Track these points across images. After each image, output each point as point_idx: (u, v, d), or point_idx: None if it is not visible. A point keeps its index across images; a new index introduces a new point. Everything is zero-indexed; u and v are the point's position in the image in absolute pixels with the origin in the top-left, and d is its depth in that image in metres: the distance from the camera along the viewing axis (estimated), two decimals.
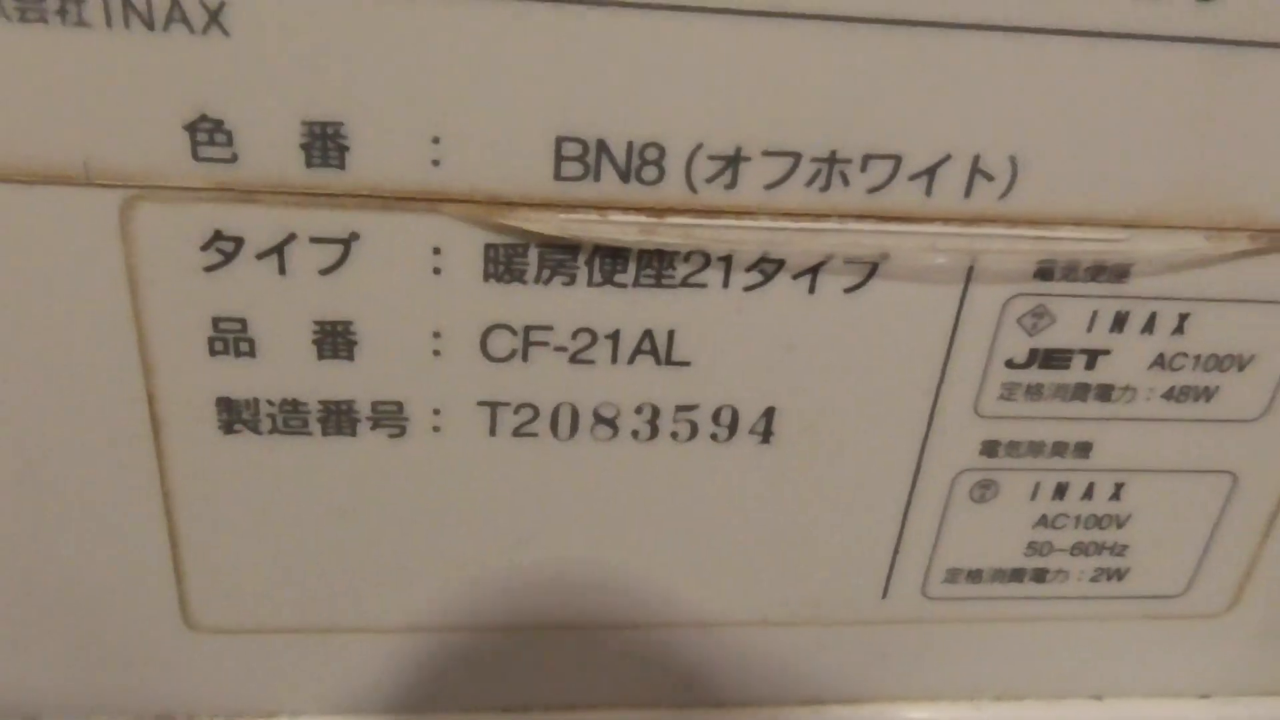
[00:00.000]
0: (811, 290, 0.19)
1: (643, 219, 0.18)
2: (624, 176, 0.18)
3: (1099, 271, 0.20)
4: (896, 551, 0.23)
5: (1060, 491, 0.23)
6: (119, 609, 0.22)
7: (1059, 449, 0.22)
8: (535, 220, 0.18)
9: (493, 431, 0.20)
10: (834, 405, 0.21)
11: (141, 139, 0.17)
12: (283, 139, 0.17)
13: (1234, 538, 0.24)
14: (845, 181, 0.18)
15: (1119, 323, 0.21)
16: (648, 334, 0.20)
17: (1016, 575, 0.24)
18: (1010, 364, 0.21)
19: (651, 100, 0.17)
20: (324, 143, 0.17)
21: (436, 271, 0.18)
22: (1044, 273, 0.20)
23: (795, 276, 0.19)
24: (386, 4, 0.16)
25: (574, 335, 0.19)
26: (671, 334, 0.20)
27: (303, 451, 0.20)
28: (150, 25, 0.16)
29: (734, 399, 0.20)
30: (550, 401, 0.20)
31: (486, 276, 0.19)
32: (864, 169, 0.18)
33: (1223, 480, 0.23)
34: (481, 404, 0.20)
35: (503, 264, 0.18)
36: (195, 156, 0.17)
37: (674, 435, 0.21)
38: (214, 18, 0.16)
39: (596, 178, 0.18)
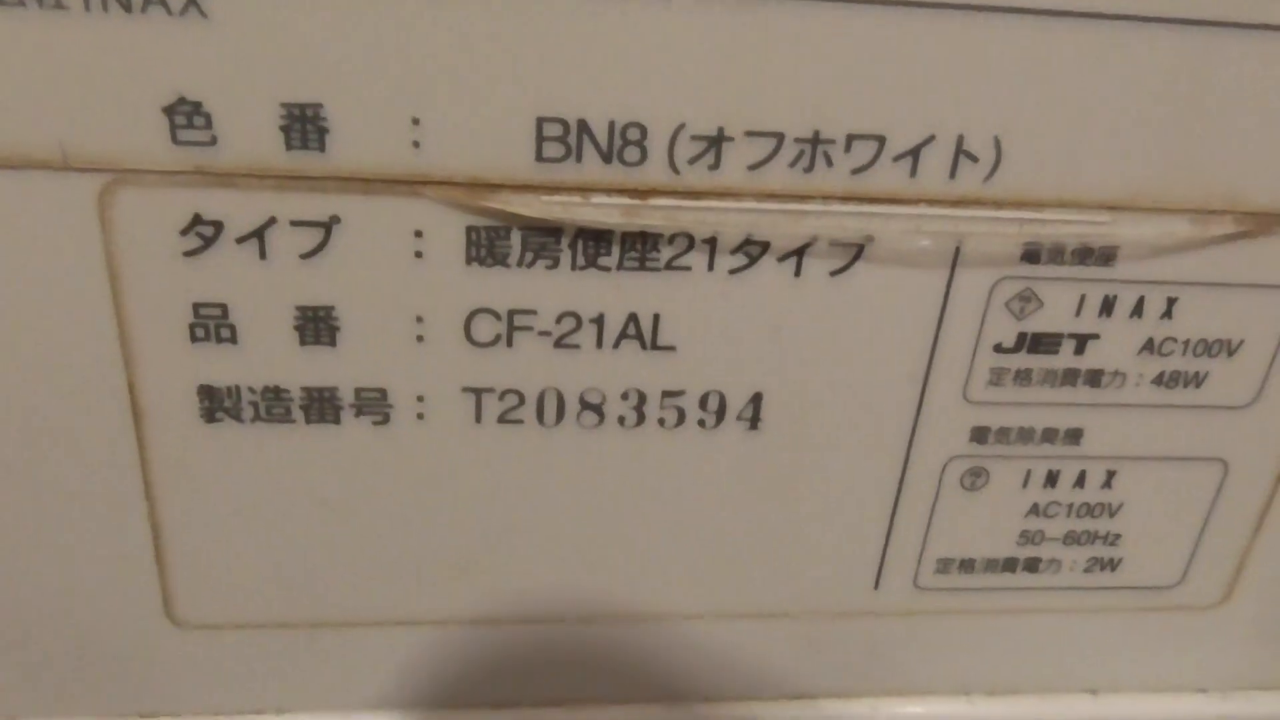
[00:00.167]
0: (797, 274, 0.19)
1: (626, 201, 0.18)
2: (606, 157, 0.18)
3: (1086, 254, 0.20)
4: (887, 541, 0.23)
5: (1051, 479, 0.23)
6: (101, 605, 0.22)
7: (1049, 436, 0.22)
8: (517, 202, 0.18)
9: (478, 418, 0.20)
10: (822, 391, 0.21)
11: (120, 123, 0.17)
12: (262, 121, 0.17)
13: (1226, 528, 0.24)
14: (829, 162, 0.18)
15: (1107, 307, 0.20)
16: (632, 318, 0.19)
17: (1009, 565, 0.24)
18: (999, 349, 0.21)
19: (633, 80, 0.17)
20: (303, 125, 0.17)
21: (418, 255, 0.18)
22: (1030, 256, 0.20)
23: (780, 259, 0.19)
24: None
25: (558, 320, 0.19)
26: (657, 318, 0.19)
27: (286, 440, 0.20)
28: (128, 8, 0.16)
29: (721, 384, 0.20)
30: (535, 387, 0.20)
31: (469, 260, 0.18)
32: (848, 150, 0.18)
33: (1214, 468, 0.23)
34: (466, 390, 0.20)
35: (485, 247, 0.18)
36: (174, 140, 0.17)
37: (661, 422, 0.21)
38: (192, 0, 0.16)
39: (578, 159, 0.18)
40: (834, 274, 0.19)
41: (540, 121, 0.17)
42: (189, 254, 0.18)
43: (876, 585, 0.24)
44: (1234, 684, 0.27)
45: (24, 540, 0.21)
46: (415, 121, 0.17)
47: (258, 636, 0.22)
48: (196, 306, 0.18)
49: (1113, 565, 0.24)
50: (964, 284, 0.20)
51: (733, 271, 0.19)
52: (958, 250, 0.19)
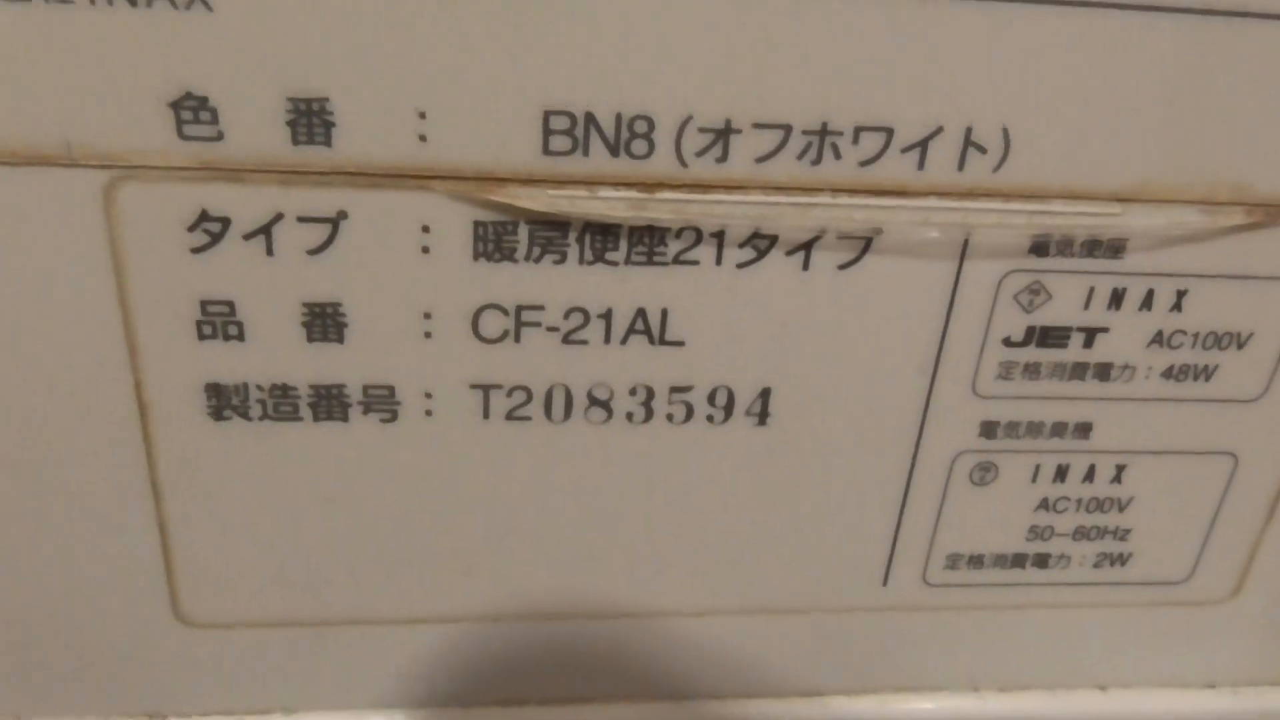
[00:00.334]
0: (805, 267, 0.19)
1: (633, 194, 0.18)
2: (613, 150, 0.18)
3: (1094, 246, 0.20)
4: (896, 536, 0.23)
5: (1061, 474, 0.23)
6: (107, 604, 0.22)
7: (1058, 430, 0.22)
8: (524, 196, 0.18)
9: (486, 415, 0.20)
10: (831, 385, 0.21)
11: (125, 118, 0.17)
12: (268, 116, 0.17)
13: (1236, 522, 0.24)
14: (837, 154, 0.18)
15: (1116, 299, 0.20)
16: (640, 313, 0.19)
17: (1018, 561, 0.24)
18: (1007, 342, 0.21)
19: (640, 72, 0.17)
20: (310, 119, 0.17)
21: (425, 250, 0.18)
22: (1039, 248, 0.20)
23: (789, 253, 0.19)
24: None
25: (566, 315, 0.19)
26: (665, 313, 0.19)
27: (294, 438, 0.20)
28: (134, 2, 0.16)
29: (729, 379, 0.20)
30: (543, 383, 0.20)
31: (476, 255, 0.18)
32: (855, 141, 0.18)
33: (1224, 462, 0.23)
34: (474, 386, 0.20)
35: (492, 242, 0.18)
36: (180, 135, 0.17)
37: (669, 417, 0.21)
38: None
39: (585, 152, 0.17)
40: (842, 267, 0.19)
41: (547, 114, 0.17)
42: (196, 250, 0.18)
43: (885, 581, 0.23)
44: (1243, 679, 0.27)
45: (30, 539, 0.21)
46: (421, 115, 0.17)
47: (265, 635, 0.22)
48: (203, 303, 0.18)
49: (1122, 560, 0.24)
50: (972, 276, 0.20)
51: (741, 265, 0.19)
52: (966, 242, 0.19)
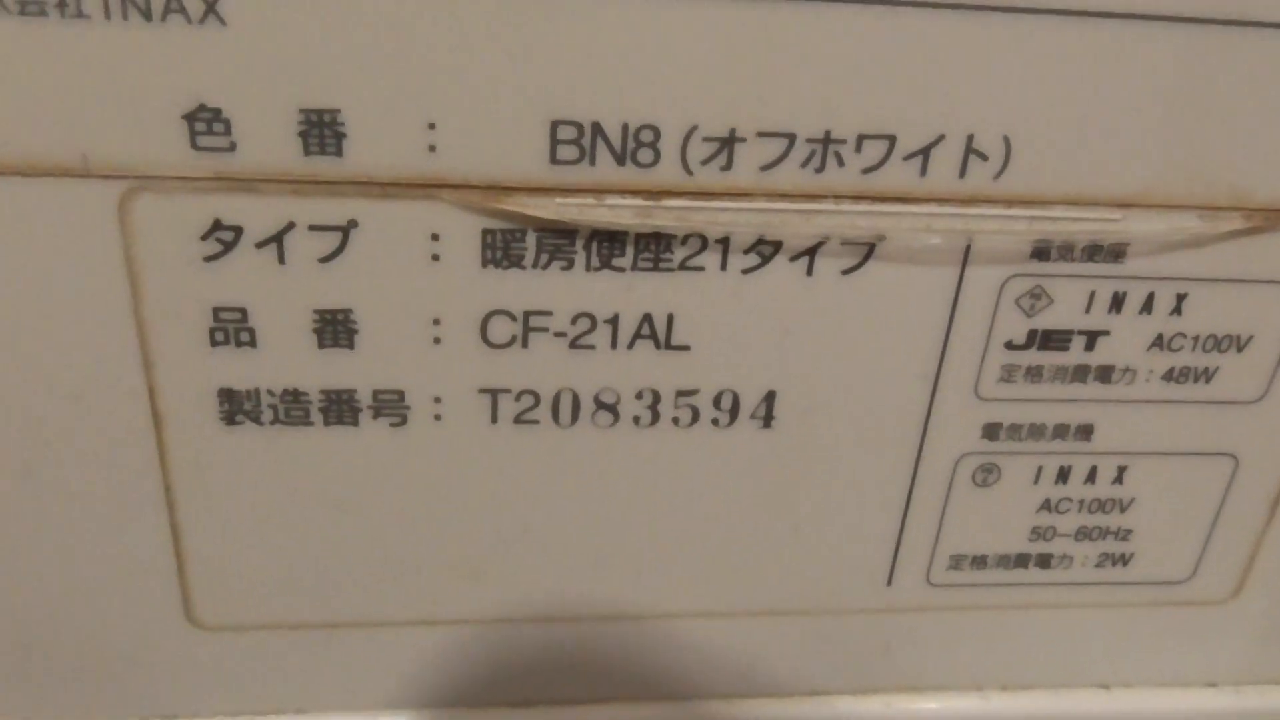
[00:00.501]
0: (809, 273, 0.19)
1: (639, 202, 0.18)
2: (619, 159, 0.18)
3: (1095, 251, 0.20)
4: (900, 537, 0.23)
5: (1063, 475, 0.23)
6: (120, 607, 0.22)
7: (1060, 431, 0.22)
8: (532, 205, 0.18)
9: (494, 419, 0.20)
10: (834, 389, 0.21)
11: (140, 130, 0.17)
12: (280, 127, 0.17)
13: (1237, 522, 0.24)
14: (840, 162, 0.18)
15: (1117, 303, 0.21)
16: (647, 318, 0.20)
17: (1021, 561, 0.24)
18: (1009, 345, 0.21)
19: (646, 82, 0.17)
20: (321, 130, 0.17)
21: (435, 258, 0.18)
22: (1040, 253, 0.20)
23: (793, 259, 0.19)
24: None
25: (573, 320, 0.19)
26: (670, 318, 0.20)
27: (305, 443, 0.20)
28: (148, 16, 0.16)
29: (734, 383, 0.21)
30: (551, 388, 0.20)
31: (485, 262, 0.19)
32: (858, 149, 0.18)
33: (1224, 463, 0.23)
34: (482, 391, 0.20)
35: (500, 249, 0.19)
36: (194, 146, 0.17)
37: (675, 421, 0.21)
38: (211, 8, 0.16)
39: (592, 161, 0.18)
40: (845, 273, 0.20)
41: (554, 125, 0.17)
42: (209, 259, 0.18)
43: (889, 582, 0.24)
44: (1245, 679, 0.27)
45: (44, 543, 0.21)
46: (431, 126, 0.17)
47: (276, 638, 0.23)
48: (216, 310, 0.19)
49: (1124, 561, 0.24)
50: (974, 282, 0.20)
51: (745, 271, 0.19)
52: (968, 248, 0.20)
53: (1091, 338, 0.21)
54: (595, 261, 0.19)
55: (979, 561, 0.24)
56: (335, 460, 0.20)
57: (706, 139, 0.18)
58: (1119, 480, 0.23)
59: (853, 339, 0.20)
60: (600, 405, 0.20)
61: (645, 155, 0.18)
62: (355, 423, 0.20)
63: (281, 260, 0.18)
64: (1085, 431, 0.22)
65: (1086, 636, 0.25)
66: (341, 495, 0.21)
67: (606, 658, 0.24)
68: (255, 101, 0.17)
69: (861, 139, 0.18)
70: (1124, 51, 0.18)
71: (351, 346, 0.19)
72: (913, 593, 0.24)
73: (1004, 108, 0.18)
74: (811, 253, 0.19)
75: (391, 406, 0.20)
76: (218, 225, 0.18)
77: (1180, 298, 0.21)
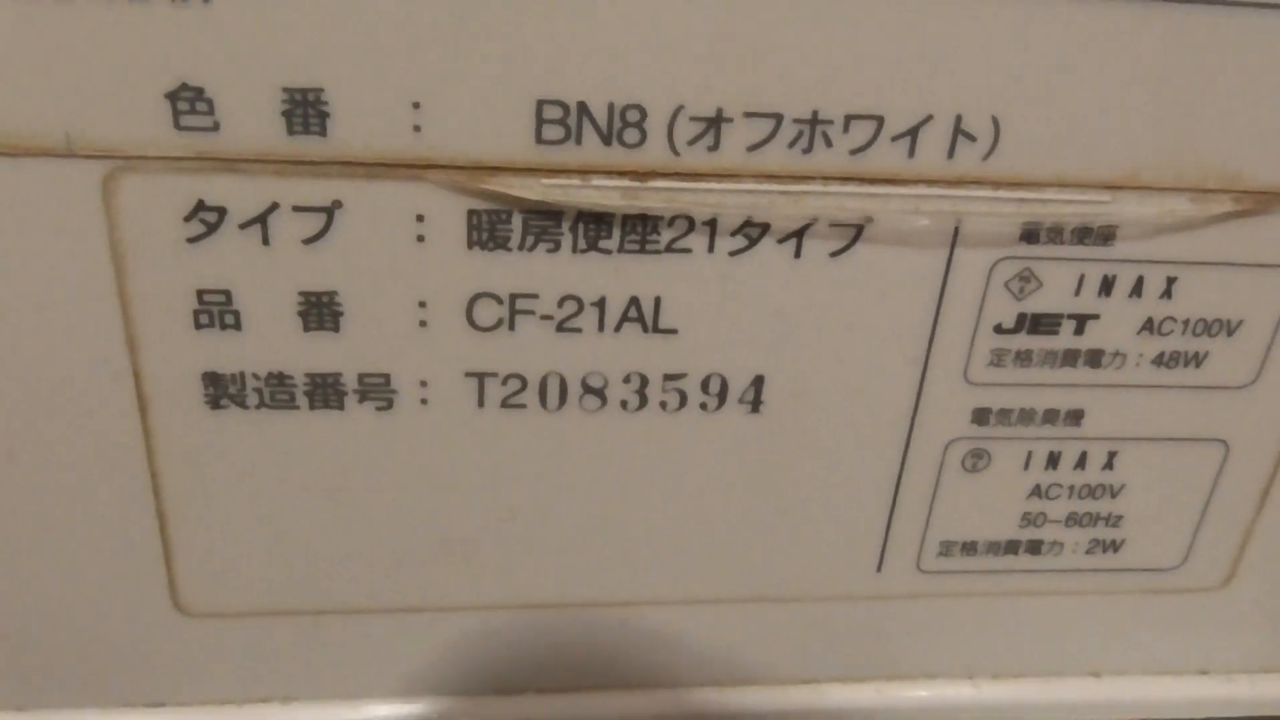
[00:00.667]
0: (797, 255, 0.19)
1: (625, 183, 0.18)
2: (605, 139, 0.18)
3: (1084, 234, 0.20)
4: (890, 523, 0.23)
5: (1053, 461, 0.23)
6: (106, 594, 0.22)
7: (1050, 417, 0.22)
8: (517, 185, 0.18)
9: (481, 403, 0.20)
10: (823, 373, 0.21)
11: (123, 109, 0.17)
12: (264, 106, 0.17)
13: (1228, 509, 0.24)
14: (828, 143, 0.18)
15: (1106, 287, 0.21)
16: (634, 301, 0.19)
17: (1011, 547, 0.24)
18: (999, 329, 0.21)
19: (632, 62, 0.17)
20: (305, 110, 0.17)
21: (420, 240, 0.18)
22: (1029, 235, 0.20)
23: (780, 241, 0.19)
24: None
25: (560, 303, 0.19)
26: (658, 301, 0.20)
27: (290, 426, 0.20)
28: None
29: (722, 367, 0.20)
30: (538, 372, 0.20)
31: (470, 244, 0.19)
32: (846, 130, 0.18)
33: (1215, 449, 0.23)
34: (469, 375, 0.20)
35: (486, 231, 0.18)
36: (177, 126, 0.17)
37: (663, 405, 0.21)
38: None
39: (578, 141, 0.18)
40: (834, 255, 0.19)
41: (540, 104, 0.17)
42: (192, 240, 0.18)
43: (879, 568, 0.24)
44: (1237, 666, 0.27)
45: (28, 530, 0.21)
46: (416, 105, 0.17)
47: (263, 624, 0.23)
48: (200, 293, 0.19)
49: (1115, 547, 0.24)
50: (963, 264, 0.20)
51: (733, 253, 0.19)
52: (956, 230, 0.19)
53: (1081, 321, 0.21)
54: (582, 243, 0.19)
55: (969, 548, 0.24)
56: (321, 444, 0.20)
57: (693, 119, 0.18)
58: (1109, 466, 0.23)
59: (841, 322, 0.20)
60: (588, 389, 0.20)
61: (631, 135, 0.18)
62: (341, 406, 0.20)
63: (266, 241, 0.18)
64: (1075, 416, 0.22)
65: (1077, 624, 0.25)
66: (328, 480, 0.21)
67: (595, 645, 0.24)
68: (238, 80, 0.17)
69: (849, 120, 0.18)
70: (1114, 32, 0.18)
71: (337, 329, 0.19)
72: (903, 579, 0.24)
73: (993, 89, 0.18)
74: (799, 235, 0.19)
75: (377, 390, 0.20)
76: (201, 206, 0.18)
77: (1170, 281, 0.21)
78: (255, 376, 0.19)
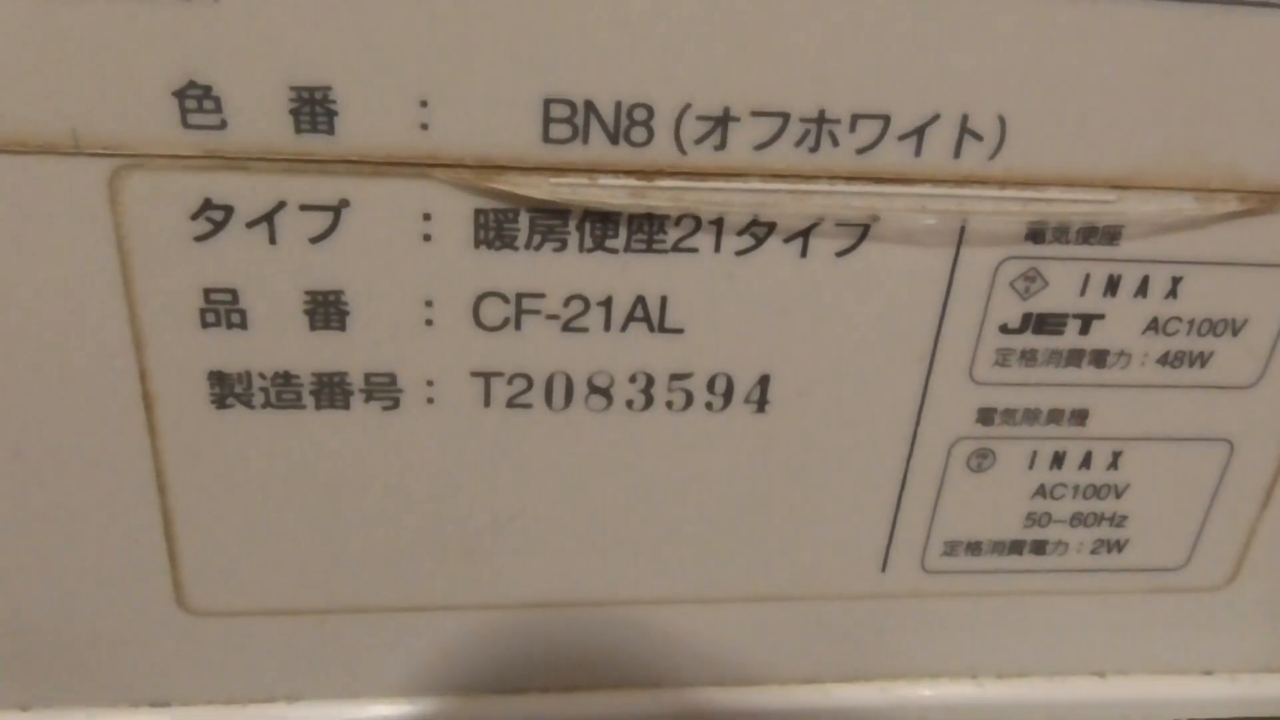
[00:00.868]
0: (803, 254, 0.19)
1: (632, 182, 0.18)
2: (613, 138, 0.18)
3: (1090, 233, 0.20)
4: (894, 523, 0.23)
5: (1058, 460, 0.23)
6: (111, 593, 0.22)
7: (1055, 416, 0.22)
8: (525, 184, 0.18)
9: (486, 403, 0.20)
10: (829, 372, 0.21)
11: (130, 107, 0.17)
12: (271, 104, 0.17)
13: (1232, 508, 0.24)
14: (834, 142, 0.18)
15: (1111, 286, 0.21)
16: (640, 300, 0.19)
17: (1016, 547, 0.24)
18: (1004, 329, 0.21)
19: (639, 60, 0.17)
20: (312, 108, 0.17)
21: (427, 238, 0.18)
22: (1035, 235, 0.20)
23: (787, 240, 0.19)
24: None
25: (566, 303, 0.19)
26: (664, 300, 0.20)
27: (296, 426, 0.20)
28: None
29: (728, 366, 0.20)
30: (544, 371, 0.20)
31: (477, 243, 0.19)
32: (853, 129, 0.18)
33: (1219, 448, 0.23)
34: (475, 374, 0.20)
35: (493, 230, 0.18)
36: (184, 124, 0.17)
37: (669, 405, 0.21)
38: None
39: (585, 140, 0.18)
40: (840, 254, 0.19)
41: (547, 103, 0.17)
42: (199, 238, 0.18)
43: (883, 568, 0.24)
44: (1241, 666, 0.27)
45: (34, 528, 0.21)
46: (423, 103, 0.17)
47: (268, 623, 0.22)
48: (207, 291, 0.19)
49: (1119, 547, 0.24)
50: (969, 264, 0.20)
51: (739, 253, 0.19)
52: (963, 229, 0.19)
53: (1086, 321, 0.21)
54: (588, 242, 0.19)
55: (974, 548, 0.24)
56: (327, 444, 0.20)
57: (700, 118, 0.18)
58: (1114, 466, 0.23)
59: (847, 321, 0.20)
60: (593, 389, 0.20)
61: (639, 134, 0.18)
62: (347, 406, 0.20)
63: (272, 240, 0.18)
64: (1080, 416, 0.22)
65: (1082, 623, 0.25)
66: (334, 479, 0.21)
67: (599, 644, 0.24)
68: (246, 78, 0.17)
69: (856, 119, 0.18)
70: (1120, 31, 0.18)
71: (343, 328, 0.19)
72: (907, 579, 0.24)
73: (999, 88, 0.18)
74: (806, 234, 0.19)
75: (383, 389, 0.20)
76: (208, 204, 0.18)
77: (1175, 280, 0.21)
78: (261, 375, 0.19)
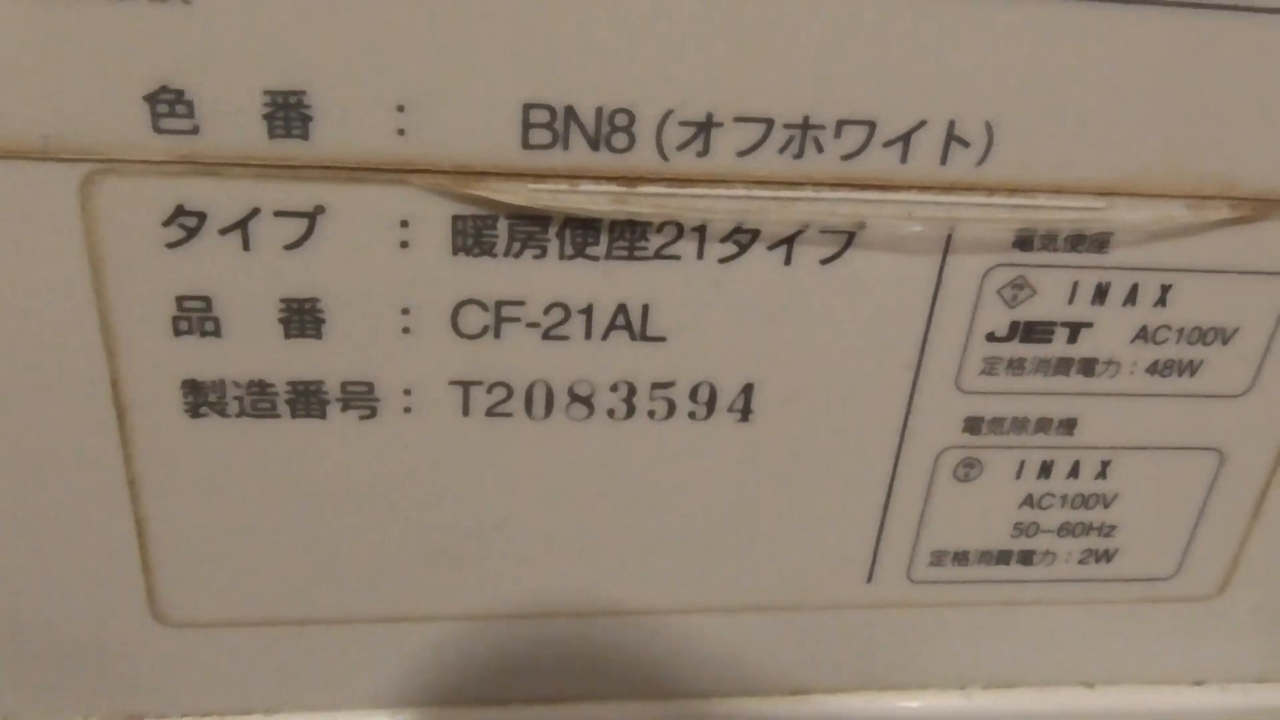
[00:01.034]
0: (788, 262, 0.19)
1: (614, 188, 0.18)
2: (594, 144, 0.17)
3: (1079, 241, 0.20)
4: (880, 533, 0.23)
5: (1045, 470, 0.23)
6: (84, 604, 0.21)
7: (1043, 425, 0.22)
8: (504, 190, 0.18)
9: (465, 411, 0.20)
10: (814, 381, 0.20)
11: (101, 111, 0.16)
12: (245, 109, 0.17)
13: (1222, 518, 0.24)
14: (819, 148, 0.18)
15: (1100, 294, 0.20)
16: (622, 308, 0.19)
17: (1003, 557, 0.24)
18: (991, 337, 0.21)
19: (621, 65, 0.17)
20: (287, 112, 0.17)
21: (404, 245, 0.18)
22: (1023, 242, 0.20)
23: (771, 247, 0.19)
24: None
25: (546, 311, 0.19)
26: (646, 308, 0.19)
27: (272, 435, 0.20)
28: None
29: (712, 375, 0.20)
30: (524, 380, 0.20)
31: (455, 250, 0.18)
32: (838, 135, 0.18)
33: (1209, 458, 0.23)
34: (454, 383, 0.20)
35: (471, 236, 0.18)
36: (156, 128, 0.17)
37: (651, 414, 0.20)
38: None
39: (565, 146, 0.17)
40: (825, 262, 0.19)
41: (526, 108, 0.17)
42: (172, 245, 0.18)
43: (870, 578, 0.23)
44: (1231, 676, 0.27)
45: (4, 539, 0.20)
46: (400, 108, 0.17)
47: (245, 635, 0.22)
48: (180, 299, 0.18)
49: (1108, 557, 0.24)
50: (956, 271, 0.20)
51: (723, 260, 0.19)
52: (949, 237, 0.19)
53: (1074, 329, 0.21)
54: (569, 250, 0.18)
55: (961, 558, 0.23)
56: (303, 453, 0.20)
57: (683, 123, 0.17)
58: (1103, 475, 0.23)
59: (832, 330, 0.20)
60: (575, 398, 0.20)
61: (620, 140, 0.17)
62: (323, 415, 0.20)
63: (246, 247, 0.18)
64: (1068, 425, 0.22)
65: (1070, 634, 0.25)
66: (310, 489, 0.20)
67: (583, 655, 0.24)
68: (219, 82, 0.16)
69: (841, 125, 0.18)
70: (1110, 37, 0.18)
71: (319, 336, 0.19)
72: (894, 589, 0.24)
73: (987, 93, 0.18)
74: (790, 241, 0.19)
75: (360, 398, 0.20)
76: (181, 211, 0.17)
77: (1165, 289, 0.20)
78: (236, 384, 0.19)
